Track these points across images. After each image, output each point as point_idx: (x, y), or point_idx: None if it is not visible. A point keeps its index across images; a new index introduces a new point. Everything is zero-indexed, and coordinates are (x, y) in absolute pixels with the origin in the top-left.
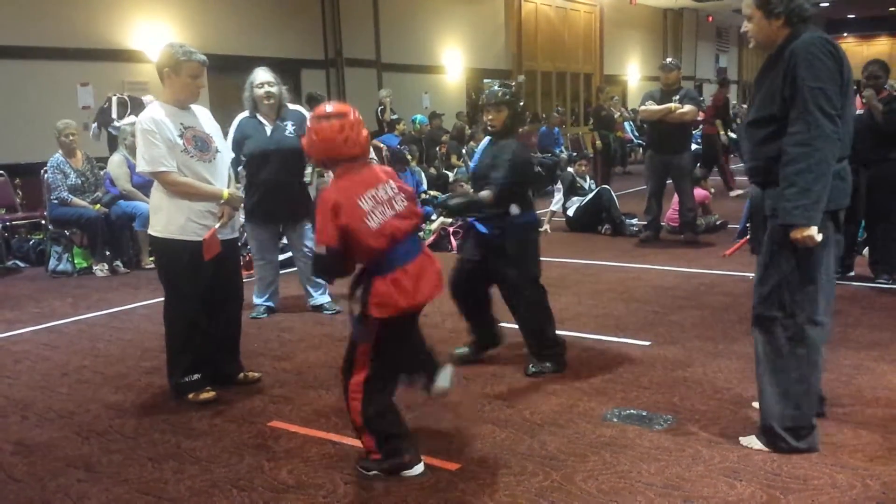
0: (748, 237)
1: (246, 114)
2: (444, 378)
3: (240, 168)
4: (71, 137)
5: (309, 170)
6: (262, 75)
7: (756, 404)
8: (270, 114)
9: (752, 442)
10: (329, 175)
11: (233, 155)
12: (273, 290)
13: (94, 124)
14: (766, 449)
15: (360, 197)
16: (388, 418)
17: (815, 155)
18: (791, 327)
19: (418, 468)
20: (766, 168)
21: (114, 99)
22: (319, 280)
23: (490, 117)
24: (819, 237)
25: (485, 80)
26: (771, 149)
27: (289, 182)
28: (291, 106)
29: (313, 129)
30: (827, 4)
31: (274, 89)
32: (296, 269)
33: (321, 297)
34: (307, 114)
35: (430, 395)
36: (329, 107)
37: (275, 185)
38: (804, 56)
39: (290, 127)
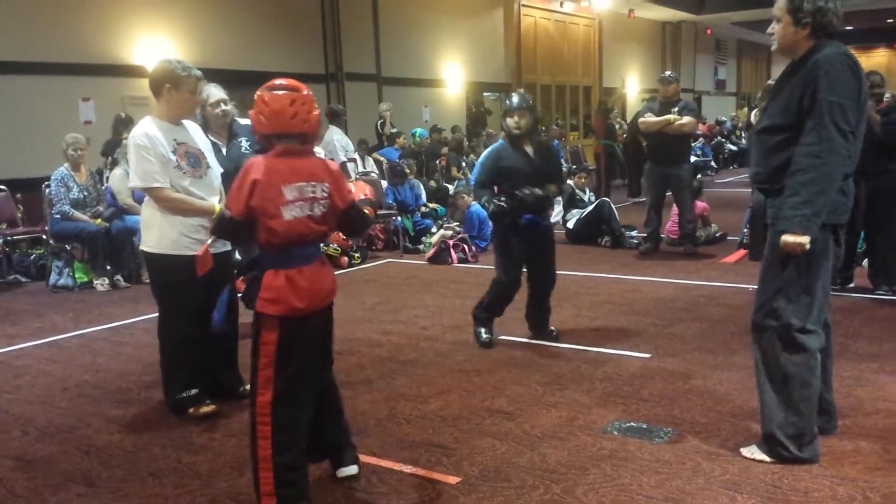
0: (746, 245)
1: None
2: (351, 470)
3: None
4: (80, 152)
5: None
6: (216, 93)
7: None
8: (222, 132)
9: (754, 452)
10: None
11: (221, 169)
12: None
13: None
14: (767, 459)
15: (286, 184)
16: (298, 462)
17: (822, 168)
18: (785, 336)
19: None
20: (772, 176)
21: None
22: None
23: (515, 120)
24: (808, 247)
25: (485, 94)
26: (780, 157)
27: None
28: (243, 120)
29: (262, 98)
30: None
31: (228, 107)
32: None
33: None
34: None
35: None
36: (283, 81)
37: None
38: (826, 69)
39: (244, 143)
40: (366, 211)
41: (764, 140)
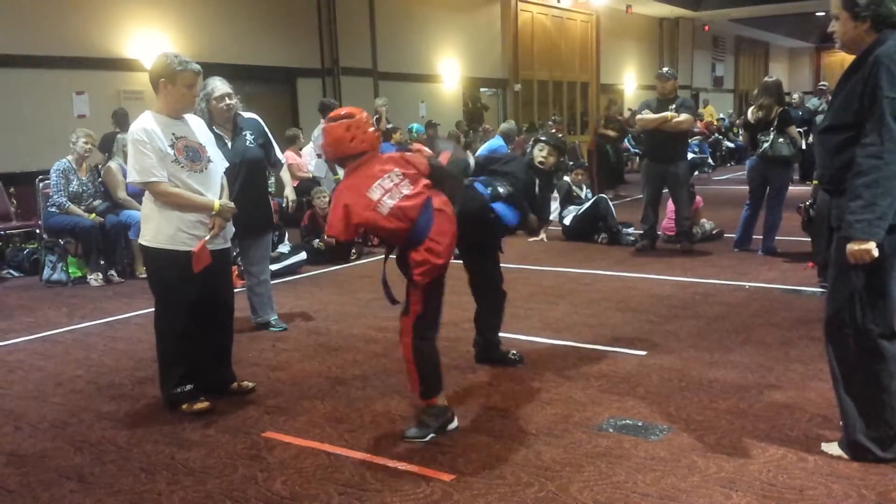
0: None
1: None
2: None
3: None
4: (89, 146)
5: (288, 189)
6: (220, 87)
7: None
8: (227, 125)
9: (833, 449)
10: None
11: (227, 164)
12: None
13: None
14: (846, 456)
15: (368, 189)
16: (433, 361)
17: (884, 169)
18: (865, 342)
19: (455, 422)
20: (835, 176)
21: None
22: (264, 299)
23: (544, 155)
24: (876, 253)
25: (481, 89)
26: (843, 157)
27: (254, 193)
28: (246, 114)
29: (325, 130)
30: (823, 14)
31: (233, 101)
32: (288, 279)
33: (268, 316)
34: (260, 119)
35: None
36: (342, 110)
37: (243, 196)
38: (888, 65)
39: (249, 136)
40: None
41: (826, 140)
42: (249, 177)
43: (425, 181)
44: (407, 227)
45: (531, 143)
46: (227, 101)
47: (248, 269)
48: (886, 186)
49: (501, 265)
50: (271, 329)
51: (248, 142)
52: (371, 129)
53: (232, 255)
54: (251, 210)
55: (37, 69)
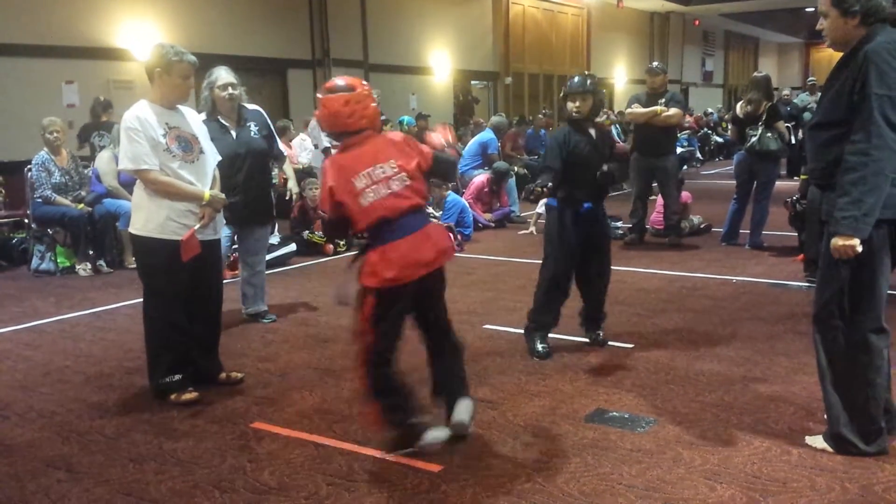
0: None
1: (204, 116)
2: (464, 411)
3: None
4: (56, 135)
5: (291, 181)
6: (224, 76)
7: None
8: (232, 115)
9: (817, 442)
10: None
11: (219, 157)
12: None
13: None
14: (830, 450)
15: (355, 175)
16: (392, 396)
17: (871, 166)
18: (852, 335)
19: (433, 435)
20: (826, 171)
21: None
22: (258, 290)
23: (577, 104)
24: (860, 249)
25: (472, 82)
26: (832, 152)
27: (257, 184)
28: (250, 106)
29: (322, 101)
30: (812, 10)
31: (236, 91)
32: (277, 270)
33: (259, 307)
34: (263, 111)
35: (448, 427)
36: (340, 81)
37: (246, 187)
38: (876, 61)
39: (253, 128)
40: (449, 155)
41: (816, 136)
42: (253, 167)
43: (420, 182)
44: (378, 225)
45: (561, 100)
46: (231, 91)
47: (244, 259)
48: (873, 183)
49: (491, 257)
50: (262, 321)
51: (252, 133)
52: (373, 104)
53: (221, 246)
54: (253, 200)
55: (26, 58)
